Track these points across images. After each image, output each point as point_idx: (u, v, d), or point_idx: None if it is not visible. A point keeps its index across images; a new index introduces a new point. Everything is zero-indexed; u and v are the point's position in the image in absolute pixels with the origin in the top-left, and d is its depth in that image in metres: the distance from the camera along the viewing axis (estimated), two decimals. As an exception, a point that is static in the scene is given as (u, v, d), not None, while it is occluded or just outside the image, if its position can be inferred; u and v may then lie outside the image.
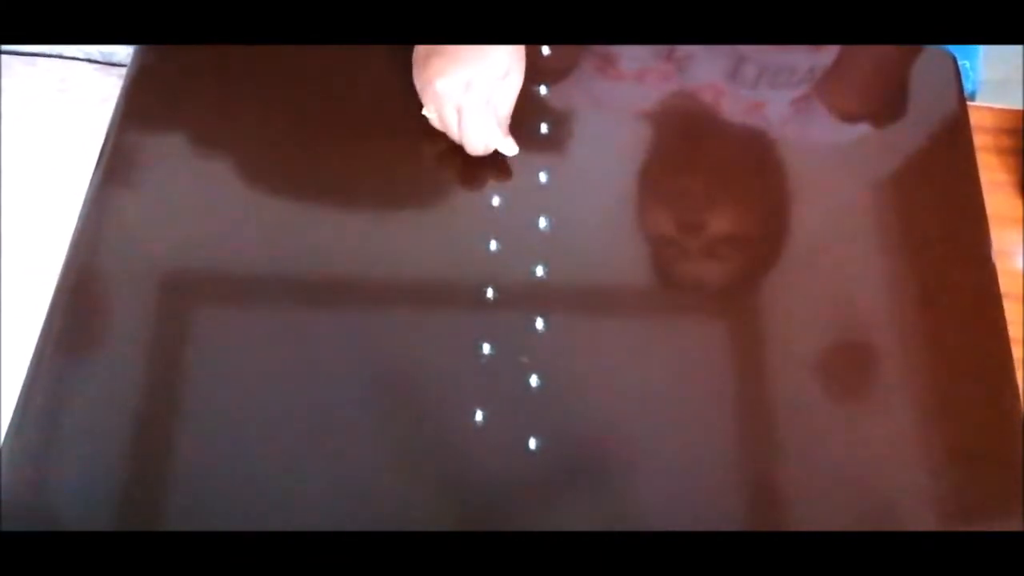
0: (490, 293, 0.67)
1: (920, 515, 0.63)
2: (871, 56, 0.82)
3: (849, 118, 0.80)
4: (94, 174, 0.69)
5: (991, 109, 0.88)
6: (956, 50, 0.83)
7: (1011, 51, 1.21)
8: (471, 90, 0.66)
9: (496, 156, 0.72)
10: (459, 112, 0.67)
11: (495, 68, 0.66)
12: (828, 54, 0.81)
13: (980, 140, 0.79)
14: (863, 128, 0.80)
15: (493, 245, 0.69)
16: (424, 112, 0.69)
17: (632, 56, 0.78)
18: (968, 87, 0.88)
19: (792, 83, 0.79)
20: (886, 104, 0.81)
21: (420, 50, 0.69)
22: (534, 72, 0.76)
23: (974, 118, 0.79)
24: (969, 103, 0.81)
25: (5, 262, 1.30)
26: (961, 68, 0.82)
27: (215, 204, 0.70)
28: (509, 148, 0.70)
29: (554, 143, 0.74)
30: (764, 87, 0.79)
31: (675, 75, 0.78)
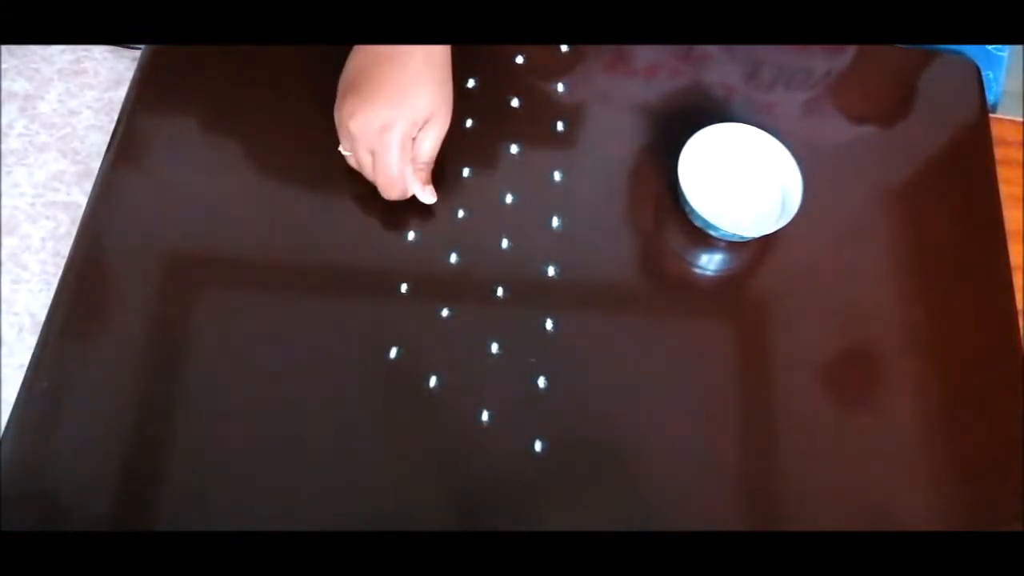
0: (500, 292, 0.66)
1: (920, 529, 0.63)
2: (887, 60, 0.81)
3: (860, 118, 0.79)
4: (105, 156, 0.69)
5: (1013, 122, 0.87)
6: (979, 60, 0.82)
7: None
8: (386, 134, 0.63)
9: (510, 154, 0.71)
10: (373, 155, 0.64)
11: (414, 113, 0.63)
12: (844, 57, 0.80)
13: (1000, 153, 0.78)
14: (873, 128, 0.79)
15: (505, 243, 0.68)
16: (340, 149, 0.67)
17: (646, 52, 0.78)
18: (990, 99, 0.87)
19: (807, 85, 0.78)
20: (899, 106, 0.80)
21: (340, 84, 0.66)
22: (551, 69, 0.76)
23: (994, 130, 0.78)
24: (991, 115, 0.80)
25: (18, 246, 1.30)
26: (984, 79, 0.81)
27: (223, 189, 0.69)
28: (427, 197, 0.67)
29: (570, 142, 0.74)
30: (779, 89, 0.78)
31: (688, 72, 0.77)
